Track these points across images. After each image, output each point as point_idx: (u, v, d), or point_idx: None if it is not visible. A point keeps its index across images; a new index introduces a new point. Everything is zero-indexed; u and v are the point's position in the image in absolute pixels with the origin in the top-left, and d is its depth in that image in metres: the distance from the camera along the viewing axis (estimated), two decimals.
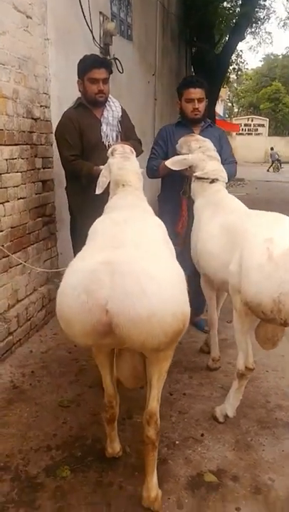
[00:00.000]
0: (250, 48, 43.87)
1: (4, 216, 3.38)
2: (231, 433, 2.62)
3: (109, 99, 3.55)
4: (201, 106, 3.64)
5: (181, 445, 2.51)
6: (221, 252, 2.66)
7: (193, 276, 3.01)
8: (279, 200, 12.74)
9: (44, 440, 2.54)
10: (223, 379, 3.16)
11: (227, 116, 46.28)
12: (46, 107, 3.98)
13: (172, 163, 3.19)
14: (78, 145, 3.43)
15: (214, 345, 3.28)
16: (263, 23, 17.43)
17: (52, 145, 4.04)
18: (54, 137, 3.71)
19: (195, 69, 14.79)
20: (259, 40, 23.30)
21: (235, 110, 53.92)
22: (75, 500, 2.12)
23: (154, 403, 2.01)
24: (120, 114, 3.60)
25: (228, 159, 3.64)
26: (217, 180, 3.08)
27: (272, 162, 29.41)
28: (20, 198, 3.59)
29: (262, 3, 15.19)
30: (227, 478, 2.27)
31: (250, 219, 2.60)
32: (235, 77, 27.00)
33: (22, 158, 3.58)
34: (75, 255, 2.15)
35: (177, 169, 3.20)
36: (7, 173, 3.38)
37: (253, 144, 38.64)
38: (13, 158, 3.45)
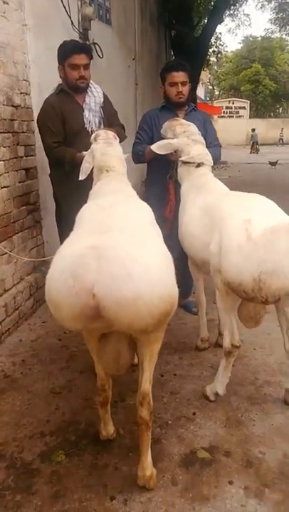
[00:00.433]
0: (229, 31, 43.74)
1: None
2: (222, 410, 2.67)
3: (90, 84, 3.53)
4: (185, 89, 3.64)
5: (173, 424, 2.55)
6: (201, 233, 2.70)
7: (181, 259, 3.04)
8: (263, 182, 12.79)
9: (38, 427, 2.56)
10: (212, 358, 3.21)
11: (208, 99, 46.13)
12: (26, 94, 3.93)
13: (158, 148, 3.20)
14: (61, 132, 3.41)
15: (203, 326, 3.33)
16: (241, 5, 17.45)
17: (34, 132, 4.00)
18: (36, 124, 3.68)
19: (175, 52, 14.71)
20: (238, 22, 23.35)
21: (216, 93, 53.74)
22: (72, 484, 2.15)
23: (146, 385, 2.04)
24: (102, 99, 3.58)
25: (212, 143, 3.66)
26: (203, 164, 3.09)
27: (253, 144, 29.57)
28: (4, 187, 3.57)
29: None
30: (219, 454, 2.32)
31: (228, 200, 2.64)
32: (215, 60, 26.99)
33: (4, 147, 3.54)
34: (61, 242, 2.16)
35: (163, 153, 3.21)
36: None
37: (235, 126, 38.64)
38: None
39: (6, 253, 3.57)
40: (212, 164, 3.20)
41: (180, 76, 3.59)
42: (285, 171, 16.58)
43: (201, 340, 3.34)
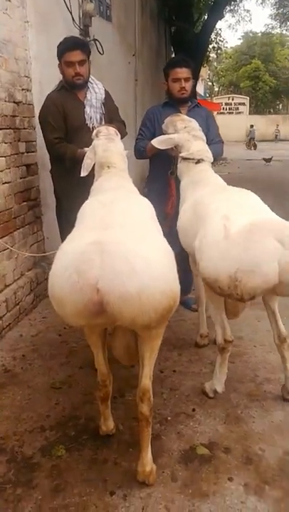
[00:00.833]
0: (229, 26, 43.07)
1: None
2: (222, 407, 2.68)
3: (92, 81, 3.53)
4: (188, 85, 3.65)
5: (173, 421, 2.56)
6: (190, 228, 2.69)
7: (182, 255, 3.04)
8: (262, 178, 12.78)
9: (38, 421, 2.57)
10: (211, 355, 3.21)
11: (208, 95, 46.01)
12: (28, 91, 3.93)
13: (158, 142, 3.21)
14: (62, 128, 3.42)
15: (202, 322, 3.34)
16: (241, 1, 17.36)
17: (35, 129, 4.00)
18: (37, 121, 3.68)
19: (175, 48, 14.66)
20: (238, 18, 23.09)
21: (216, 89, 53.53)
22: (72, 478, 2.17)
23: (146, 380, 2.05)
24: (104, 96, 3.58)
25: (214, 139, 3.68)
26: (202, 160, 3.09)
27: (250, 139, 29.59)
28: (5, 183, 3.57)
29: None
30: (219, 451, 2.33)
31: (215, 195, 2.64)
32: (215, 56, 26.85)
33: (5, 143, 3.54)
34: (62, 238, 2.17)
35: (163, 148, 3.22)
36: None
37: (234, 122, 38.53)
38: None
39: (7, 248, 3.58)
40: (212, 161, 3.20)
41: (183, 72, 3.60)
42: (284, 168, 16.57)
43: (201, 336, 3.35)
